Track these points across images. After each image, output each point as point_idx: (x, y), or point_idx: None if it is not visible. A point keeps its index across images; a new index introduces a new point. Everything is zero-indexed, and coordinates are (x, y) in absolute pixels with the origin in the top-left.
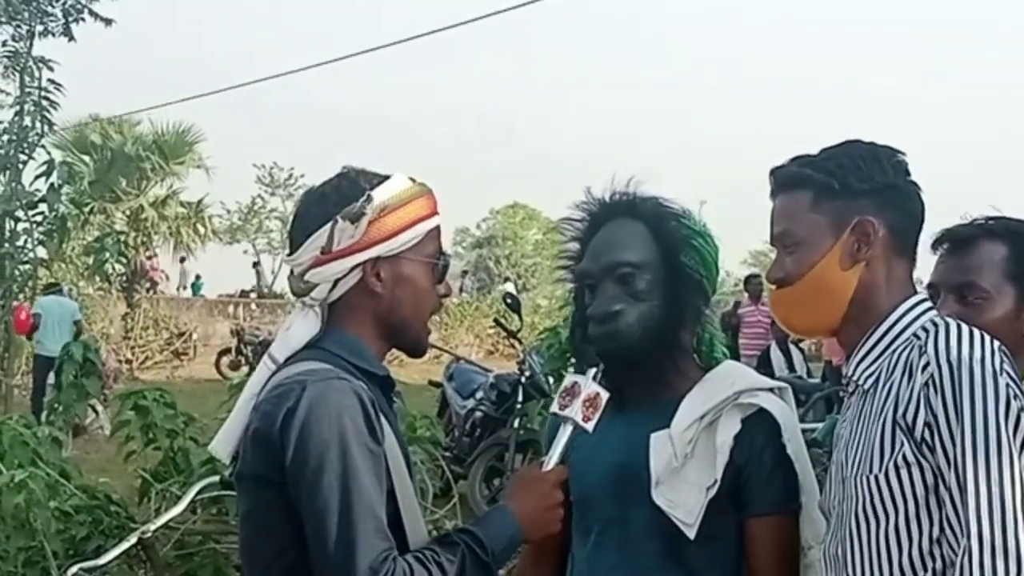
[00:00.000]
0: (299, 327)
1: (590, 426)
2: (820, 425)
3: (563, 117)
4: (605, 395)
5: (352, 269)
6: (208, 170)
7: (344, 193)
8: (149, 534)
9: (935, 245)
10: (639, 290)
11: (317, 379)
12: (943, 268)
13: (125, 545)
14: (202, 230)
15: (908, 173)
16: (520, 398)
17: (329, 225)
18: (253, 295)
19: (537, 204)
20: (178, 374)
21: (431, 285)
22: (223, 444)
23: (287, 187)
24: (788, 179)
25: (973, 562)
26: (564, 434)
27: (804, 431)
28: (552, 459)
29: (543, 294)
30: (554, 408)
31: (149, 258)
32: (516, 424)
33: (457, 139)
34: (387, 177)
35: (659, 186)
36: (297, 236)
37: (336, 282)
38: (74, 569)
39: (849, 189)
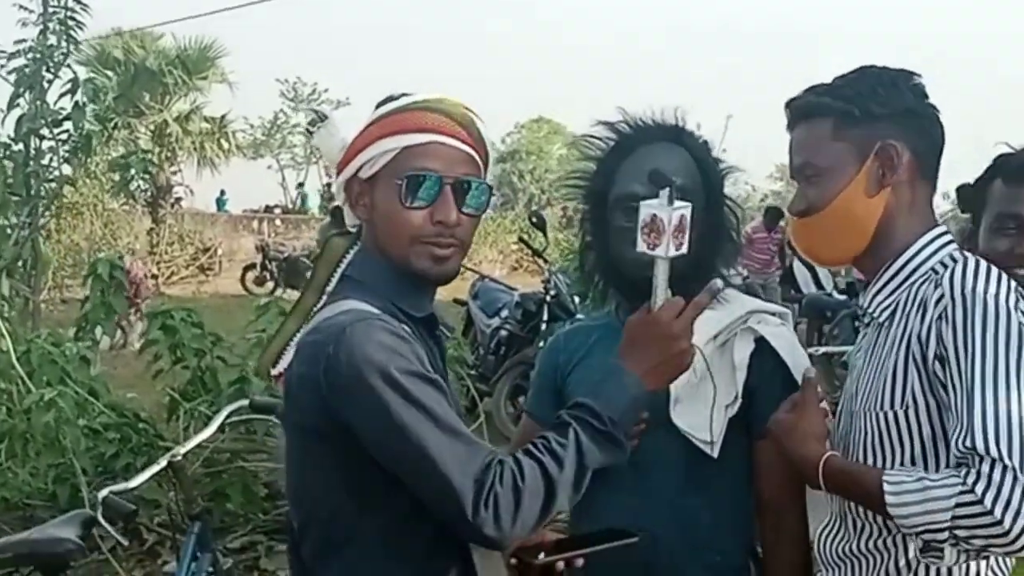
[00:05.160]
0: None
1: (683, 250)
2: (849, 348)
3: (595, 28)
4: (688, 209)
5: (345, 192)
6: (231, 85)
7: None
8: (179, 457)
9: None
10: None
11: (355, 320)
12: None
13: (155, 468)
14: (226, 145)
15: (926, 96)
16: (545, 317)
17: None
18: (278, 210)
19: (562, 118)
20: (203, 289)
21: (401, 205)
22: (268, 356)
23: (311, 102)
24: (806, 109)
25: (983, 470)
26: (659, 270)
27: (832, 355)
28: (658, 299)
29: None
30: (641, 248)
31: (174, 173)
32: (542, 344)
33: (481, 51)
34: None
35: (688, 100)
36: None
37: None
38: (104, 492)
39: (870, 114)
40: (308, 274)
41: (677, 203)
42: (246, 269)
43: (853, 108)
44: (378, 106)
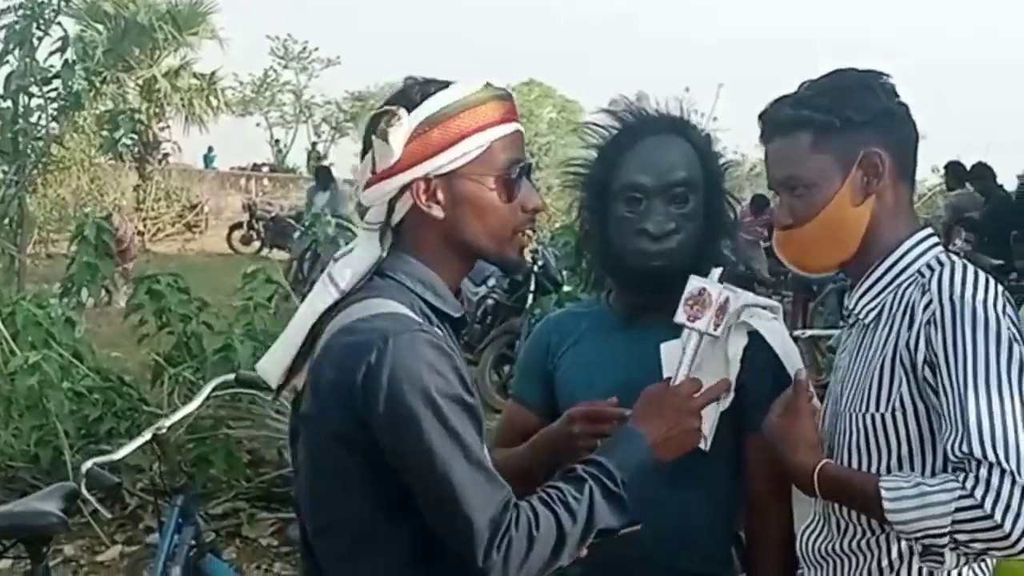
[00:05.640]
0: (361, 252)
1: (719, 332)
2: (834, 332)
3: None
4: (733, 296)
5: (402, 191)
6: (222, 42)
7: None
8: (164, 430)
9: None
10: (689, 210)
11: (400, 330)
12: None
13: (139, 441)
14: (214, 102)
15: (897, 95)
16: (532, 287)
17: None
18: (265, 168)
19: (553, 82)
20: (190, 247)
21: (503, 201)
22: (274, 367)
23: (301, 60)
24: (784, 122)
25: (981, 474)
26: (690, 344)
27: (819, 338)
28: (681, 372)
29: (556, 174)
30: (680, 318)
31: (162, 129)
32: (530, 317)
33: (471, 12)
34: (446, 85)
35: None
36: (361, 157)
37: (392, 204)
38: (88, 464)
39: (850, 123)
40: (295, 235)
41: (725, 285)
42: (232, 228)
43: (833, 118)
44: (421, 97)
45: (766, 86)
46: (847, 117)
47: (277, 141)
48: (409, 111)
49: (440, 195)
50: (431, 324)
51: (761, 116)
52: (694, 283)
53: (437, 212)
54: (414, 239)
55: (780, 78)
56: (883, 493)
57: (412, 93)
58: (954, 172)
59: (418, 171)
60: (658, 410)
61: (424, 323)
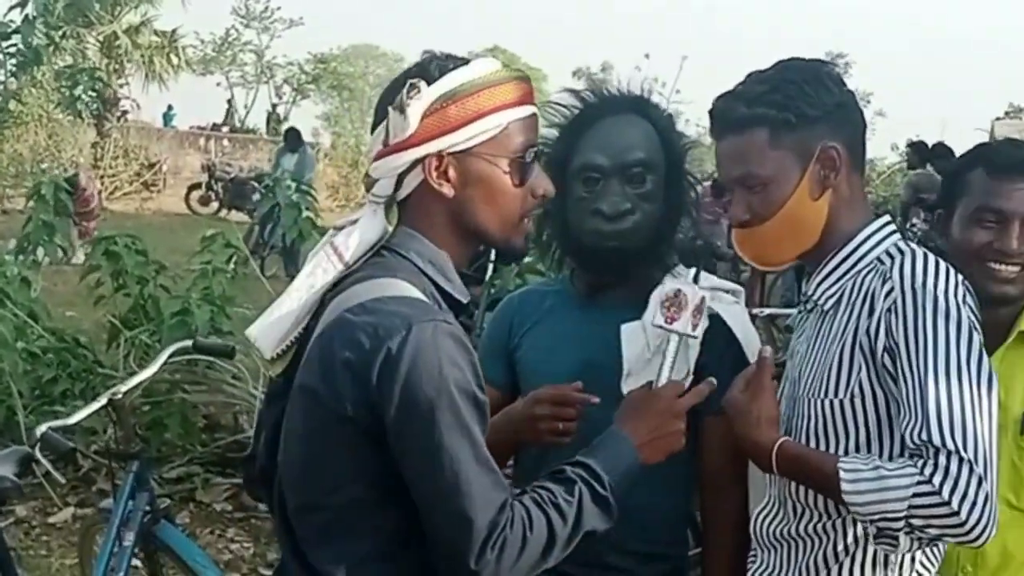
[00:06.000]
0: (366, 225)
1: (698, 332)
2: (792, 312)
3: None
4: (708, 295)
5: (413, 165)
6: None
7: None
8: (119, 396)
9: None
10: (647, 191)
11: (423, 319)
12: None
13: (95, 406)
14: (175, 60)
15: (844, 84)
16: (493, 258)
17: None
18: (225, 129)
19: (517, 50)
20: (147, 206)
21: (514, 185)
22: (269, 339)
23: (263, 20)
24: (738, 120)
25: (940, 462)
26: (671, 347)
27: (776, 316)
28: (663, 375)
29: None
30: (659, 321)
31: (122, 86)
32: (490, 288)
33: None
34: (465, 62)
35: (646, 43)
36: (373, 128)
37: (400, 178)
38: (43, 428)
39: (806, 118)
40: (255, 196)
41: (701, 284)
42: (191, 188)
43: (788, 115)
44: (440, 72)
45: (732, 57)
46: (802, 112)
47: (230, 102)
48: (428, 85)
49: (452, 173)
50: (441, 310)
51: (711, 112)
52: (669, 284)
53: (447, 190)
54: (419, 216)
55: (743, 49)
56: (841, 474)
57: (431, 68)
58: (917, 151)
59: (432, 146)
60: (642, 414)
61: (447, 315)
